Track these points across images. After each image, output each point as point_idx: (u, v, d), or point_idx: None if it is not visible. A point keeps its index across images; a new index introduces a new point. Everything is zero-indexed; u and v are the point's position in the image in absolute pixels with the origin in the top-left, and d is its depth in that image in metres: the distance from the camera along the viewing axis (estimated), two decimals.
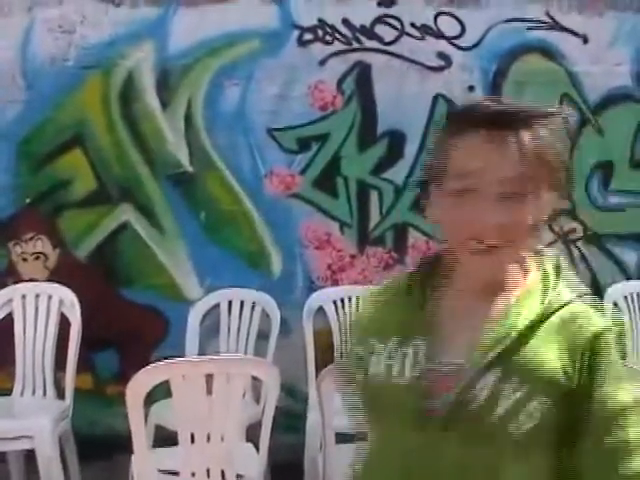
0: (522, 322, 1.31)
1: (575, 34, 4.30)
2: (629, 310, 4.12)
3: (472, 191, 1.27)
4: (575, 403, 1.30)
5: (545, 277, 1.39)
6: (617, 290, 4.16)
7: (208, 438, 2.77)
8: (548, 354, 1.30)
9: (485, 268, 1.33)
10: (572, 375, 1.30)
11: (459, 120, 1.31)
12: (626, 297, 4.15)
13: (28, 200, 4.21)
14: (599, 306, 1.39)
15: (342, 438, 2.73)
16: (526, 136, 1.27)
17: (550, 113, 1.30)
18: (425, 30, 4.22)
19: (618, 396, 1.31)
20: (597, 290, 4.32)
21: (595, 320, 1.34)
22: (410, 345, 1.34)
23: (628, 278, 4.36)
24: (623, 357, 1.37)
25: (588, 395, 1.30)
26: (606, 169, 4.37)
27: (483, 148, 1.26)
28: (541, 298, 1.35)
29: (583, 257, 4.37)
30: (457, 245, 1.33)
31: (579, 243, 4.37)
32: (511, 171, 1.26)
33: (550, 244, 4.31)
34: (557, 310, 1.34)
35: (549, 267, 1.41)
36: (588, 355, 1.31)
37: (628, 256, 4.41)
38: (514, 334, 1.30)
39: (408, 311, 1.39)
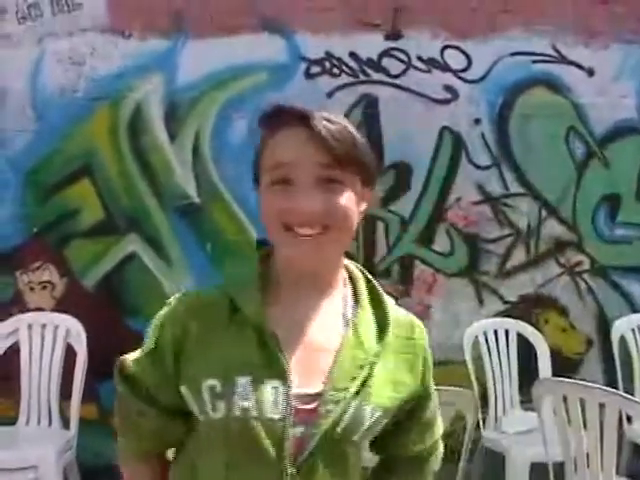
0: (372, 344, 1.40)
1: (581, 67, 4.32)
2: (636, 343, 4.11)
3: (288, 181, 1.35)
4: (413, 402, 1.49)
5: (369, 285, 1.49)
6: (624, 323, 4.14)
7: None
8: (400, 374, 1.44)
9: (305, 257, 1.37)
10: (417, 385, 1.48)
11: (272, 119, 1.40)
12: (633, 330, 4.13)
13: (36, 229, 4.23)
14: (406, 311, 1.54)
15: None
16: (332, 129, 1.34)
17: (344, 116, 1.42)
18: (432, 63, 4.25)
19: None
20: (604, 323, 4.32)
21: (419, 328, 1.51)
22: (263, 380, 1.34)
23: (635, 311, 4.34)
24: None
25: (422, 393, 1.50)
26: (613, 202, 4.37)
27: (295, 140, 1.35)
28: (379, 312, 1.45)
29: (590, 290, 4.37)
30: (277, 236, 1.38)
31: (586, 276, 4.37)
32: (322, 159, 1.33)
33: (557, 276, 4.33)
34: (395, 322, 1.45)
35: (362, 271, 1.51)
36: (423, 362, 1.49)
37: (635, 288, 4.39)
38: (370, 359, 1.39)
39: (247, 337, 1.37)
